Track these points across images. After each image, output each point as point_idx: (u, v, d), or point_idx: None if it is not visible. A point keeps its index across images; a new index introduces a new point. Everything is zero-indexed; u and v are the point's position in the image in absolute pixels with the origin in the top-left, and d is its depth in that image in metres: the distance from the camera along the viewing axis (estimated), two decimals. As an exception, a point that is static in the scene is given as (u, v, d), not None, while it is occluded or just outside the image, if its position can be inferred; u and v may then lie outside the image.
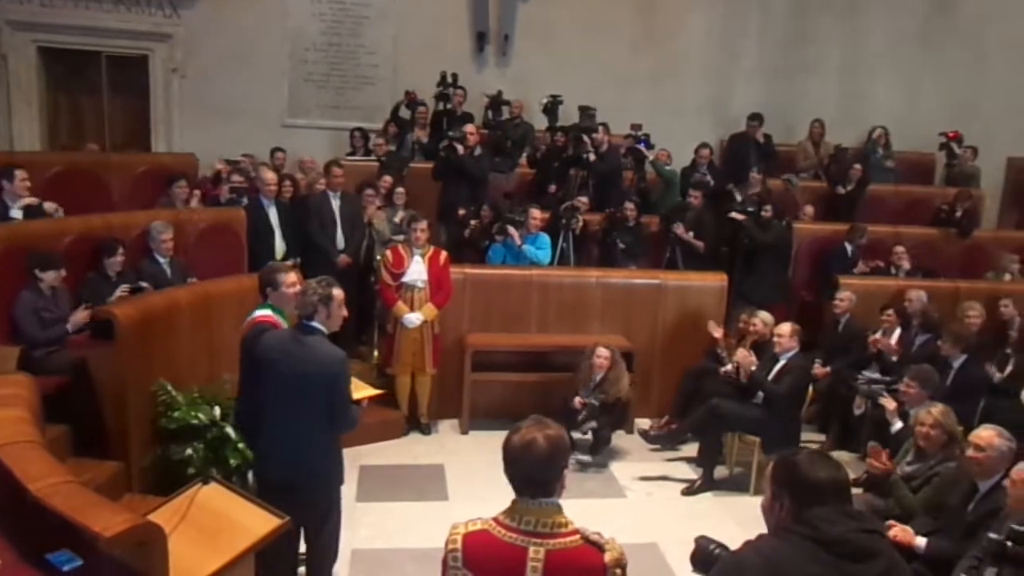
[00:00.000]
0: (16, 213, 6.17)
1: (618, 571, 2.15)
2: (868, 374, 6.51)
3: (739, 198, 8.28)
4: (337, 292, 3.78)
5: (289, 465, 3.59)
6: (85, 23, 9.64)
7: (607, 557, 2.13)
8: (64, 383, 5.00)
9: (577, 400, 6.08)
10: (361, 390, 3.89)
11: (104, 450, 4.89)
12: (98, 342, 5.11)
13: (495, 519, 2.17)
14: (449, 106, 9.39)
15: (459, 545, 2.14)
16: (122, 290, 5.60)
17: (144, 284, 5.77)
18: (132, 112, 10.16)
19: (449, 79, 9.45)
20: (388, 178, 7.98)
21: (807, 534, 1.98)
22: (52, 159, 7.69)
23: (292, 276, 4.17)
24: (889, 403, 5.08)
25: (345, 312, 3.87)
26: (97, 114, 10.13)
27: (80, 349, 5.17)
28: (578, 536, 2.14)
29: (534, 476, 2.15)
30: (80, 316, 5.27)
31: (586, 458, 6.19)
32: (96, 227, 6.07)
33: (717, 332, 6.52)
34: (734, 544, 2.21)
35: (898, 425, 4.97)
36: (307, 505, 3.59)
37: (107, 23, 9.70)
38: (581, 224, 7.64)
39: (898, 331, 6.81)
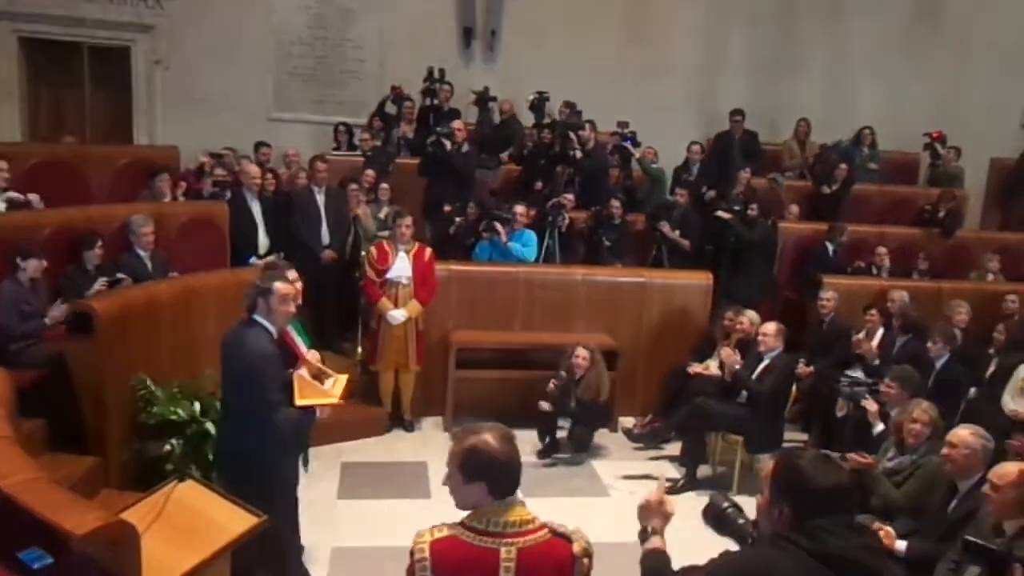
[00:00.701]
0: (-1, 205, 6.10)
1: (586, 560, 2.17)
2: (852, 374, 6.52)
3: (722, 197, 8.29)
4: (280, 286, 3.70)
5: (221, 457, 3.66)
6: (67, 13, 9.51)
7: (575, 547, 2.15)
8: (41, 377, 4.94)
9: (551, 383, 6.08)
10: (310, 396, 3.71)
11: (82, 445, 4.83)
12: (76, 336, 5.02)
13: (462, 523, 2.14)
14: (436, 102, 9.34)
15: (427, 553, 2.09)
16: (101, 283, 5.52)
17: (123, 277, 5.69)
18: (114, 104, 10.06)
19: (436, 74, 9.41)
20: (371, 172, 7.93)
21: (807, 546, 1.90)
22: (31, 150, 7.58)
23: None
24: (871, 405, 5.09)
25: (291, 308, 3.78)
26: (78, 106, 10.02)
27: (58, 343, 5.09)
28: (546, 530, 2.15)
29: (503, 477, 2.14)
30: (58, 312, 5.20)
31: (568, 456, 6.18)
32: (76, 220, 5.99)
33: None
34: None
35: (880, 427, 4.98)
36: (247, 500, 3.50)
37: (89, 13, 9.57)
38: (567, 221, 7.62)
39: (881, 331, 6.83)
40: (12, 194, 6.14)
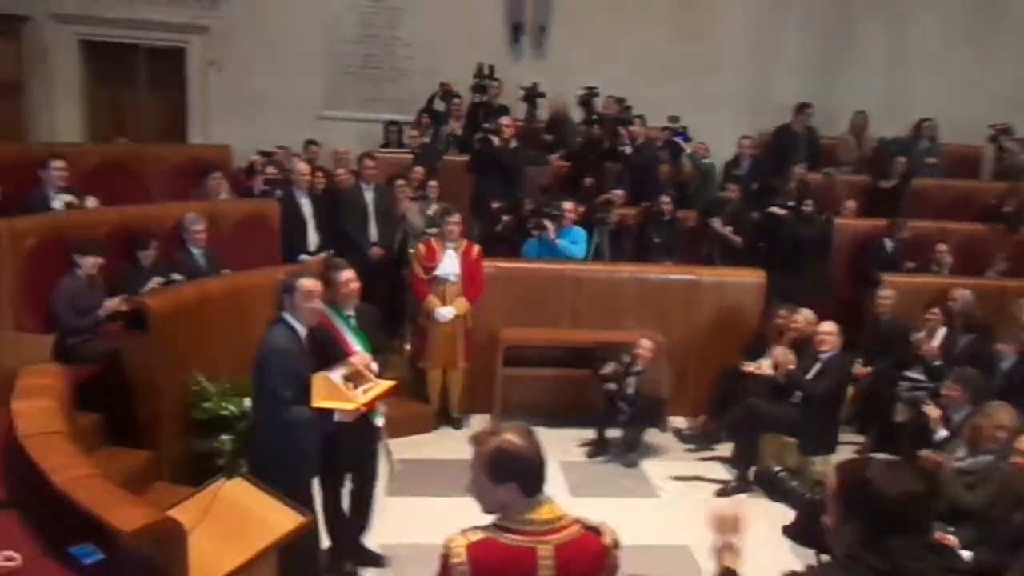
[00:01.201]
0: (57, 204, 6.24)
1: (617, 552, 2.20)
2: (911, 375, 6.32)
3: (775, 192, 8.11)
4: (303, 282, 3.70)
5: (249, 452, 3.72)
6: (125, 16, 9.72)
7: (606, 539, 2.17)
8: (98, 372, 5.05)
9: (610, 365, 5.98)
10: (328, 398, 3.65)
11: (136, 439, 4.91)
12: (131, 332, 5.13)
13: (495, 524, 2.12)
14: (485, 98, 9.30)
15: (464, 558, 2.06)
16: (155, 282, 5.62)
17: (177, 276, 5.78)
18: (169, 104, 10.24)
19: (486, 71, 9.37)
20: (419, 169, 7.94)
21: (881, 568, 1.73)
22: (90, 151, 7.76)
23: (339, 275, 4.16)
24: (933, 411, 4.90)
25: (316, 305, 3.78)
26: (135, 106, 10.25)
27: (113, 339, 5.20)
28: (578, 526, 2.15)
29: (534, 475, 2.12)
30: (114, 303, 5.30)
31: (617, 456, 6.10)
32: (132, 218, 6.11)
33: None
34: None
35: (943, 434, 4.80)
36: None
37: (147, 15, 9.77)
38: (616, 218, 7.52)
39: (943, 331, 6.59)
40: (68, 197, 6.29)
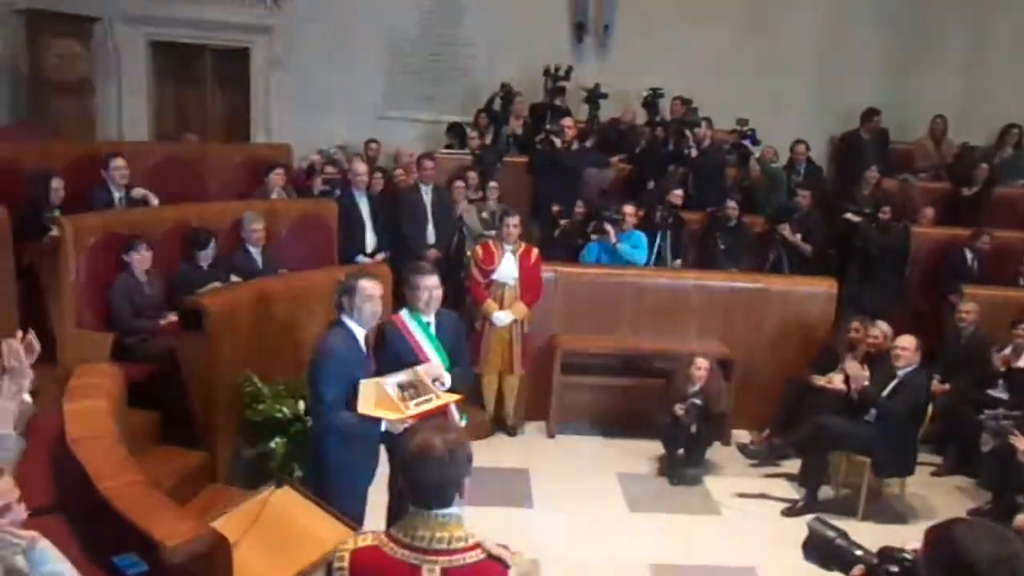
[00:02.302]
0: (117, 202, 6.31)
1: None
2: (994, 394, 5.95)
3: (849, 198, 7.78)
4: (364, 283, 3.62)
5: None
6: (193, 16, 9.85)
7: (512, 573, 1.97)
8: (156, 370, 5.05)
9: (677, 407, 5.75)
10: (375, 406, 3.52)
11: (191, 439, 4.89)
12: (188, 331, 5.11)
13: (387, 533, 1.97)
14: (559, 101, 9.07)
15: (346, 563, 1.93)
16: (213, 287, 5.60)
17: (235, 278, 5.77)
18: (233, 104, 10.36)
19: (562, 71, 9.11)
20: (474, 171, 7.83)
21: None
22: (154, 148, 7.86)
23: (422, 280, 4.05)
24: (1021, 443, 4.58)
25: (376, 307, 3.69)
26: (200, 105, 10.39)
27: (171, 338, 5.19)
28: (479, 550, 1.96)
29: (431, 484, 1.94)
30: (167, 321, 5.37)
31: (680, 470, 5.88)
32: (192, 216, 6.11)
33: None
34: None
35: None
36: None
37: (213, 16, 9.88)
38: (679, 221, 7.29)
39: (1031, 348, 6.20)
40: (139, 192, 6.36)
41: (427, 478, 1.93)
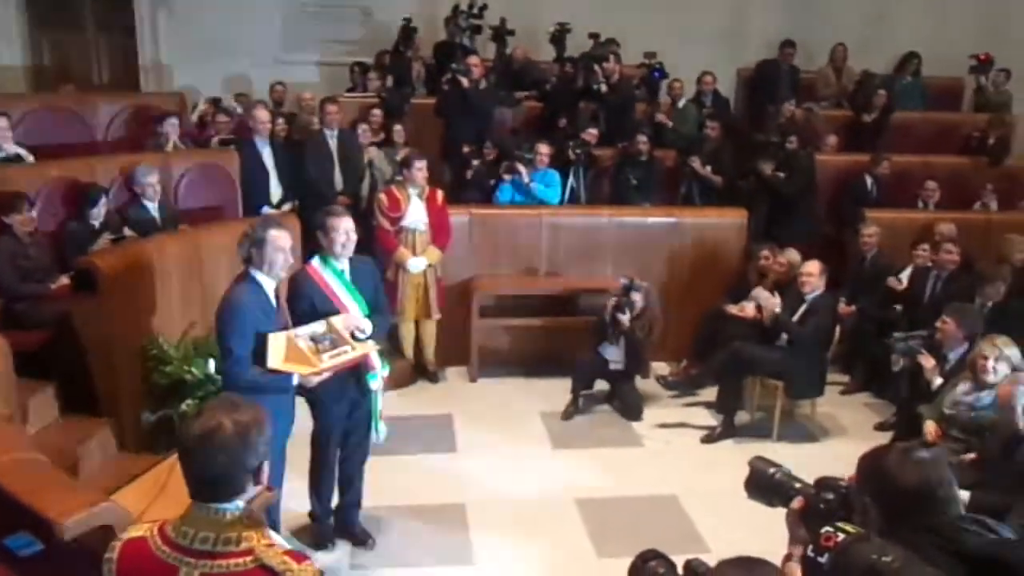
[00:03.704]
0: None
1: None
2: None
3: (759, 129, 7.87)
4: (274, 234, 3.43)
5: None
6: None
7: None
8: (48, 337, 4.75)
9: (611, 298, 5.73)
10: (286, 360, 3.41)
11: (94, 407, 4.65)
12: (82, 294, 4.82)
13: (160, 525, 1.77)
14: (472, 40, 8.76)
15: (115, 555, 1.77)
16: (105, 240, 5.28)
17: (130, 233, 5.45)
18: (118, 51, 9.72)
19: (475, 9, 8.78)
20: (378, 113, 7.59)
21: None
22: (30, 100, 7.30)
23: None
24: (928, 361, 4.79)
25: (288, 258, 3.53)
26: (83, 53, 9.71)
27: (63, 302, 4.88)
28: (250, 558, 1.70)
29: (212, 473, 1.71)
30: (58, 283, 5.04)
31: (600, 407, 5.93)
32: (78, 171, 5.72)
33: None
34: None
35: (938, 382, 4.68)
36: None
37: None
38: (592, 159, 7.23)
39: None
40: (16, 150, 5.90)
41: (210, 467, 1.70)
